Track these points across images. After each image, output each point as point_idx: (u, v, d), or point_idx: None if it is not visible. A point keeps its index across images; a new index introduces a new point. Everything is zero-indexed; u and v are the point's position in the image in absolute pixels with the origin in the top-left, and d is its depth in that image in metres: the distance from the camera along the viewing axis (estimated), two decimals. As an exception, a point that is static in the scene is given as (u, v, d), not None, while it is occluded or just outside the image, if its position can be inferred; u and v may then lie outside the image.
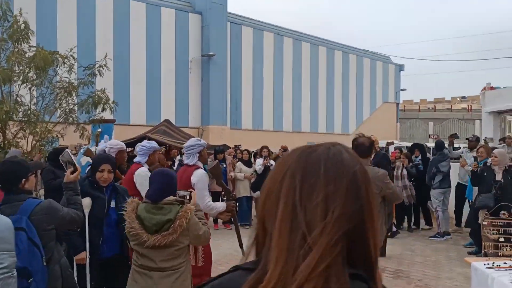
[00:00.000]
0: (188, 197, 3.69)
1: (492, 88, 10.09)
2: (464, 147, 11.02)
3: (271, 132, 28.96)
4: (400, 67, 37.92)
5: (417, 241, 9.27)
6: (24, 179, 3.37)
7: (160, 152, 14.01)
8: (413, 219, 10.38)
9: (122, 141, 13.54)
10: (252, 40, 28.39)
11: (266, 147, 12.41)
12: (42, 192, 8.30)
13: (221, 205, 4.66)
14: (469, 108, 44.77)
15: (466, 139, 10.34)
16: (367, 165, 4.56)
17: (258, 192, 11.08)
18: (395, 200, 4.63)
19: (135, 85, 23.29)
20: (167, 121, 19.70)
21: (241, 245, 4.89)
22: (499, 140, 9.01)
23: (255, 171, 11.40)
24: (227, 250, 7.55)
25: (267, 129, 29.03)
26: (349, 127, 34.14)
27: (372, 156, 8.52)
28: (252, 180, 11.27)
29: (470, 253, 7.74)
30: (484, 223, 4.02)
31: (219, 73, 25.99)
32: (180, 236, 3.28)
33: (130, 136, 17.91)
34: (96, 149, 9.88)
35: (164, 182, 3.52)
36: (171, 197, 3.46)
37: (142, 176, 4.94)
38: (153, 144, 5.52)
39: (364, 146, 4.56)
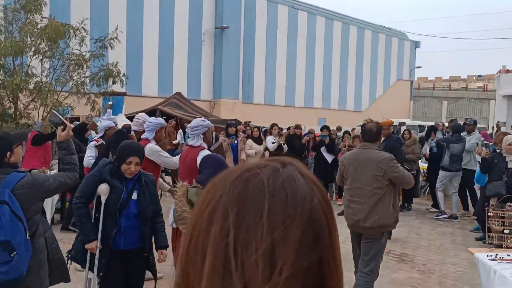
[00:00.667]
0: None
1: (508, 71, 9.90)
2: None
3: (283, 107, 28.84)
4: (416, 44, 37.31)
5: (424, 224, 9.25)
6: (8, 153, 3.32)
7: (170, 125, 14.07)
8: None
9: (134, 113, 13.59)
10: (267, 13, 28.03)
11: (276, 124, 12.34)
12: (54, 162, 8.40)
13: None
14: (485, 88, 44.04)
15: (464, 123, 10.10)
16: (373, 149, 4.56)
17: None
18: (403, 184, 4.62)
19: (147, 57, 23.22)
20: (178, 93, 19.70)
21: None
22: None
23: (267, 148, 11.38)
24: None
25: (278, 104, 28.92)
26: (362, 104, 33.88)
27: (382, 139, 8.55)
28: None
29: (477, 239, 7.73)
30: (489, 214, 4.00)
31: (232, 46, 25.79)
32: None
33: (141, 108, 17.95)
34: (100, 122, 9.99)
35: (216, 166, 3.71)
36: None
37: (154, 152, 5.01)
38: (160, 120, 5.52)
39: (372, 132, 4.55)
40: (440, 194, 9.43)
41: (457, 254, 6.97)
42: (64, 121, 3.78)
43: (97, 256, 3.72)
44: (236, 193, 0.71)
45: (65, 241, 6.68)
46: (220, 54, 25.66)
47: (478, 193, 8.79)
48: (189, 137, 4.66)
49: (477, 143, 8.94)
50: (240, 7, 26.29)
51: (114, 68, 8.81)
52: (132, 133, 5.79)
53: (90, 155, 6.12)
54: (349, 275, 4.75)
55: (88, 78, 8.79)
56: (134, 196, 3.77)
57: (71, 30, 8.38)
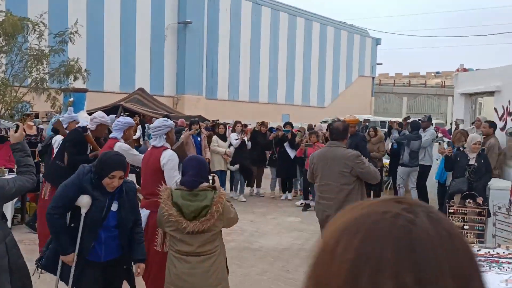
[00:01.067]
0: (211, 182, 3.65)
1: (465, 69, 10.23)
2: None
3: (247, 103, 28.87)
4: (377, 41, 38.00)
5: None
6: None
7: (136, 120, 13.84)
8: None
9: (96, 109, 13.33)
10: (230, 9, 27.94)
11: (239, 122, 12.38)
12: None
13: None
14: (443, 84, 45.30)
15: (419, 119, 10.43)
16: (340, 147, 4.66)
17: (236, 166, 11.09)
18: (369, 179, 4.73)
19: (109, 52, 22.77)
20: (141, 89, 19.44)
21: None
22: (472, 123, 9.17)
23: (230, 144, 11.40)
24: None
25: (242, 100, 28.92)
26: (325, 100, 34.28)
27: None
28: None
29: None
30: (450, 210, 4.14)
31: (196, 41, 25.61)
32: (216, 221, 3.40)
33: (103, 104, 17.63)
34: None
35: (199, 168, 3.60)
36: (204, 183, 3.55)
37: (124, 150, 4.95)
38: (128, 119, 5.45)
39: (339, 131, 4.65)
40: (402, 190, 9.69)
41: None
42: (17, 123, 3.63)
43: (73, 269, 3.51)
44: (403, 250, 0.56)
45: (27, 242, 6.50)
46: (183, 49, 25.44)
47: (435, 188, 9.05)
48: (151, 137, 4.60)
49: (439, 142, 9.19)
50: (204, 2, 26.12)
51: (75, 64, 8.60)
52: (89, 132, 5.68)
53: None
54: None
55: (48, 74, 8.54)
56: (114, 207, 3.55)
57: (30, 25, 8.12)
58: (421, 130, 9.77)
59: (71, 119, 6.79)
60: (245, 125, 13.38)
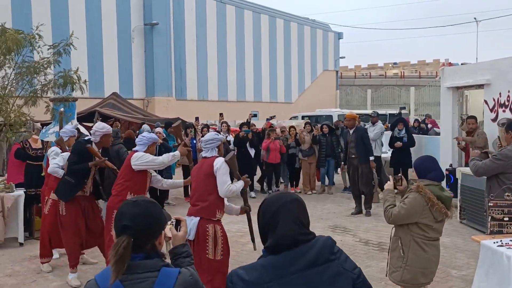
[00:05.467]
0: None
1: (450, 64, 10.66)
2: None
3: (216, 102, 28.87)
4: (339, 35, 38.67)
5: (381, 210, 9.72)
6: (159, 234, 2.02)
7: (118, 126, 13.72)
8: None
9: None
10: (195, 8, 27.83)
11: (225, 122, 12.48)
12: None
13: (240, 184, 4.69)
14: (402, 75, 46.62)
15: (369, 115, 11.44)
16: None
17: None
18: None
19: (75, 56, 22.20)
20: (115, 94, 19.14)
21: (253, 239, 4.98)
22: (461, 124, 9.63)
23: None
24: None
25: (212, 99, 28.91)
26: (292, 96, 34.67)
27: (352, 131, 9.11)
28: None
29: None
30: (490, 204, 4.39)
31: (163, 42, 25.40)
32: None
33: (77, 110, 17.27)
34: (59, 131, 9.56)
35: (437, 165, 3.95)
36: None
37: (144, 159, 5.00)
38: (153, 135, 5.44)
39: None
40: None
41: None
42: (179, 217, 2.35)
43: None
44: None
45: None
46: (151, 51, 25.19)
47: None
48: (203, 149, 4.66)
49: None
50: (169, 3, 25.92)
51: (75, 74, 8.46)
52: (93, 145, 5.65)
53: (57, 163, 5.89)
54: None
55: (47, 86, 8.35)
56: None
57: (31, 40, 7.91)
58: (369, 124, 10.76)
59: (72, 134, 6.68)
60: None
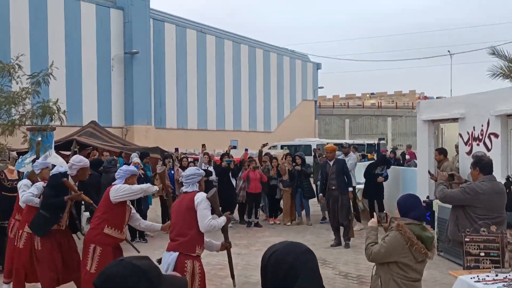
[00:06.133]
0: None
1: (426, 97, 10.94)
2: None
3: (196, 130, 28.87)
4: (318, 65, 39.33)
5: (360, 240, 9.71)
6: None
7: (96, 155, 13.60)
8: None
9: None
10: (175, 37, 28.06)
11: (207, 153, 12.47)
12: None
13: (222, 220, 4.67)
14: (379, 105, 47.41)
15: (342, 146, 11.68)
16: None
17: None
18: None
19: (54, 83, 22.03)
20: (93, 122, 19.00)
21: (232, 276, 4.96)
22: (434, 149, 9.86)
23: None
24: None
25: (191, 128, 28.91)
26: (271, 125, 34.90)
27: (332, 163, 9.19)
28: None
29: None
30: (466, 239, 4.46)
31: (143, 71, 25.44)
32: None
33: (55, 138, 17.08)
34: (34, 162, 9.43)
35: (421, 205, 3.97)
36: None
37: (123, 190, 4.92)
38: (131, 168, 5.43)
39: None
40: None
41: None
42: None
43: None
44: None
45: None
46: (130, 79, 25.18)
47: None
48: (184, 184, 4.65)
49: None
50: (149, 32, 26.08)
51: (54, 105, 8.40)
52: (70, 178, 5.56)
53: (32, 192, 5.78)
54: None
55: (26, 116, 8.27)
56: None
57: (10, 70, 7.86)
58: (342, 155, 10.86)
59: (44, 166, 6.60)
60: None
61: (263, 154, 12.84)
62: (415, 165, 14.28)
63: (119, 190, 5.01)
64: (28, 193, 5.82)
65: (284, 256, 1.83)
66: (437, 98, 10.91)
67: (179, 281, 1.66)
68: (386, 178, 11.09)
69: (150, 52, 26.02)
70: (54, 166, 6.68)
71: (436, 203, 8.32)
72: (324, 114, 43.81)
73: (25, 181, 6.47)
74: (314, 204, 12.56)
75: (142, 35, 25.36)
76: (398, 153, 19.81)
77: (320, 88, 39.86)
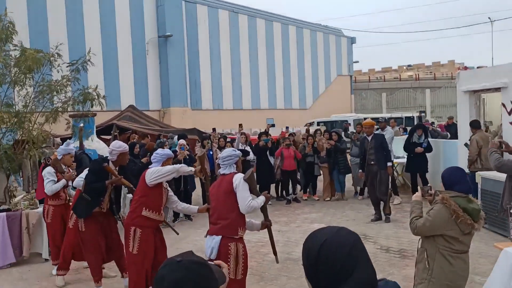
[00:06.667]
0: None
1: (466, 68, 10.63)
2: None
3: (231, 110, 29.02)
4: (352, 40, 38.62)
5: (405, 217, 9.67)
6: None
7: (135, 138, 13.90)
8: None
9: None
10: (208, 19, 28.08)
11: (244, 133, 12.57)
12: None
13: (261, 200, 4.68)
14: (417, 77, 46.28)
15: (378, 121, 11.59)
16: None
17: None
18: None
19: (92, 71, 22.51)
20: (132, 106, 19.36)
21: (275, 253, 4.98)
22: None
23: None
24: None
25: (227, 108, 29.06)
26: (306, 102, 34.67)
27: (370, 138, 9.17)
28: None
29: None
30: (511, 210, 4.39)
31: (177, 54, 25.66)
32: None
33: (95, 123, 17.52)
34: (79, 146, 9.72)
35: (466, 176, 3.92)
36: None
37: (156, 172, 5.02)
38: (166, 151, 5.48)
39: None
40: None
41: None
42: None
43: None
44: None
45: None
46: (165, 62, 25.45)
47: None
48: (221, 166, 4.68)
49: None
50: (182, 15, 26.18)
51: (94, 91, 8.62)
52: (111, 164, 5.72)
53: (82, 177, 5.99)
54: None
55: (67, 103, 8.53)
56: None
57: (50, 58, 8.10)
58: (379, 130, 10.77)
59: (66, 152, 6.82)
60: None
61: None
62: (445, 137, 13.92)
63: (153, 173, 5.09)
64: (79, 178, 6.05)
65: (339, 246, 1.62)
66: (477, 68, 10.59)
67: (220, 274, 1.68)
68: (427, 149, 10.86)
69: (183, 34, 26.17)
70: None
71: (479, 175, 8.16)
72: (360, 89, 43.18)
73: (48, 169, 6.70)
74: (348, 180, 12.53)
75: (175, 18, 25.51)
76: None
77: (355, 62, 39.20)
